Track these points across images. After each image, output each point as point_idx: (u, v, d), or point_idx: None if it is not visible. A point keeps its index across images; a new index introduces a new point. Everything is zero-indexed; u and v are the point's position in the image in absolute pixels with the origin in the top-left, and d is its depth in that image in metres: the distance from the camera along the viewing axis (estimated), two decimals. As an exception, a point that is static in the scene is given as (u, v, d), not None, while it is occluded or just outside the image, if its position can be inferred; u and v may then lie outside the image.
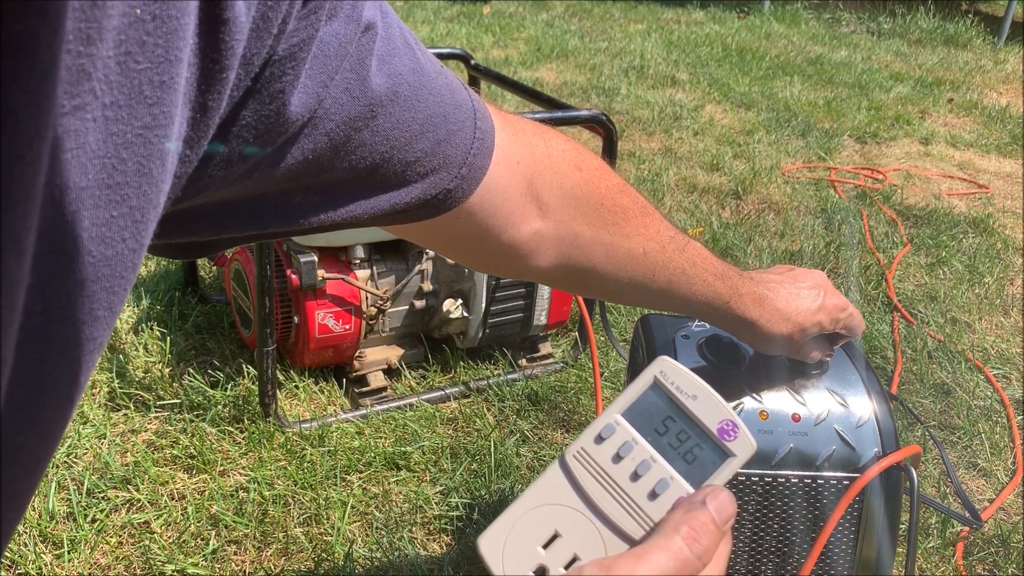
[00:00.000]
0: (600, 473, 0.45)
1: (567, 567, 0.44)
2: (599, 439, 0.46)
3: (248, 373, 1.62)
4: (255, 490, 1.35)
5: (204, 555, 1.25)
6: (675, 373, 0.47)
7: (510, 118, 0.58)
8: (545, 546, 0.44)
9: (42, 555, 1.22)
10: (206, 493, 1.36)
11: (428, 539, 1.31)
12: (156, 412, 1.54)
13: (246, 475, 1.40)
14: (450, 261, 1.65)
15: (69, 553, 1.23)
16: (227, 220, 0.44)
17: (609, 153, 1.60)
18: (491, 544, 0.44)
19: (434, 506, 1.36)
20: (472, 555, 1.26)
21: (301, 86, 0.38)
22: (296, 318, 1.57)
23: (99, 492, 1.34)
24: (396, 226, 0.54)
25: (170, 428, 1.49)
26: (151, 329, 1.77)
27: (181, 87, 0.30)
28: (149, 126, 0.29)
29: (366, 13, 0.41)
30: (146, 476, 1.38)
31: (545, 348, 1.82)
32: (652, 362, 0.48)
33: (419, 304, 1.66)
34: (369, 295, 1.60)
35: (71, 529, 1.27)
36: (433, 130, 0.48)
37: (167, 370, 1.66)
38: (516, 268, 0.62)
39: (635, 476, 0.45)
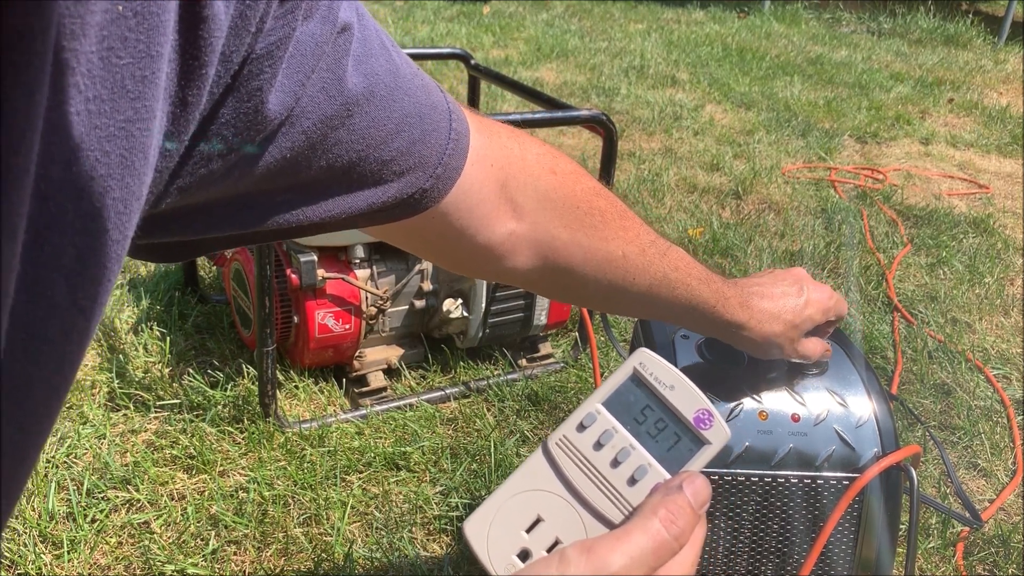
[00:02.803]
0: (581, 460, 0.47)
1: (549, 550, 0.45)
2: (581, 427, 0.48)
3: (248, 373, 1.62)
4: (255, 490, 1.35)
5: (204, 555, 1.25)
6: (654, 364, 0.49)
7: (485, 121, 0.59)
8: (528, 530, 0.46)
9: (42, 555, 1.22)
10: (206, 493, 1.36)
11: (428, 539, 1.31)
12: (156, 412, 1.54)
13: (246, 475, 1.40)
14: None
15: (69, 553, 1.23)
16: (207, 221, 0.44)
17: (609, 153, 1.60)
18: (476, 529, 0.46)
19: (434, 506, 1.36)
20: (472, 555, 1.26)
21: (279, 84, 0.39)
22: (296, 318, 1.57)
23: (99, 492, 1.34)
24: (374, 227, 0.55)
25: (170, 428, 1.49)
26: (151, 329, 1.77)
27: (162, 82, 0.31)
28: (131, 119, 0.30)
29: (342, 15, 0.43)
30: (146, 476, 1.38)
31: (545, 348, 1.82)
32: (631, 354, 0.50)
33: (419, 304, 1.66)
34: (369, 295, 1.60)
35: (71, 529, 1.27)
36: (408, 130, 0.49)
37: (167, 370, 1.66)
38: (494, 270, 0.63)
39: (615, 463, 0.47)
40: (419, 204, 0.53)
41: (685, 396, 0.48)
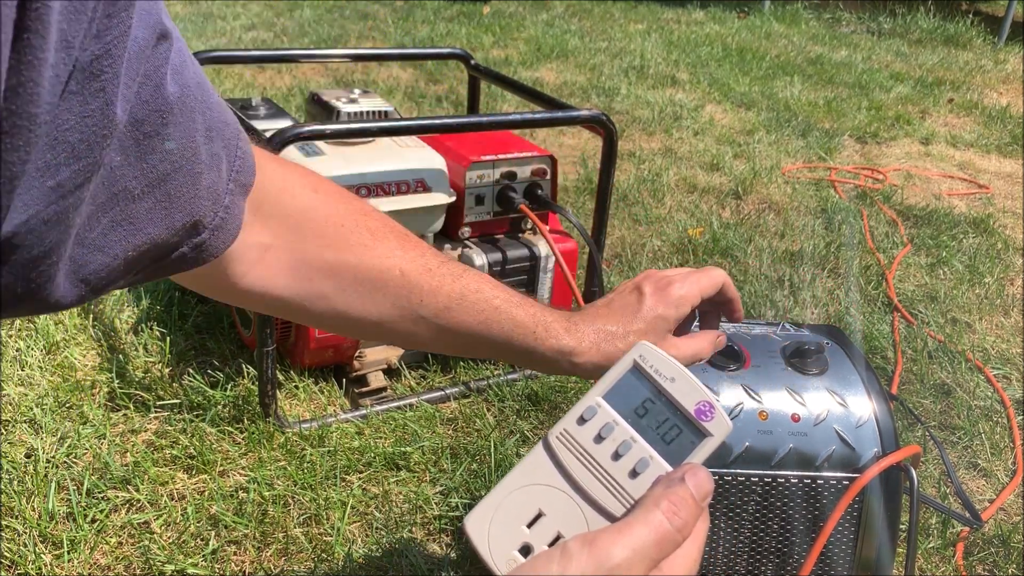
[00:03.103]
0: (582, 453, 0.47)
1: (551, 545, 0.45)
2: (581, 421, 0.48)
3: (248, 373, 1.62)
4: (255, 490, 1.35)
5: (204, 555, 1.25)
6: (654, 357, 0.49)
7: (254, 147, 0.59)
8: (529, 525, 0.46)
9: (42, 555, 1.22)
10: (206, 493, 1.36)
11: (428, 539, 1.31)
12: (156, 412, 1.53)
13: (246, 475, 1.40)
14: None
15: (69, 553, 1.23)
16: (38, 264, 0.41)
17: (609, 153, 1.60)
18: (477, 524, 0.46)
19: (434, 506, 1.36)
20: (472, 555, 1.26)
21: (122, 88, 0.39)
22: (296, 318, 1.56)
23: (99, 492, 1.34)
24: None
25: (170, 428, 1.49)
26: (151, 329, 1.77)
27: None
28: None
29: (159, 23, 0.43)
30: (146, 476, 1.38)
31: (545, 348, 1.82)
32: (632, 347, 0.50)
33: (419, 304, 1.66)
34: (369, 295, 1.60)
35: (71, 529, 1.27)
36: (210, 143, 0.49)
37: (167, 370, 1.66)
38: (247, 288, 0.59)
39: (616, 456, 0.47)
40: (214, 225, 0.51)
41: (686, 388, 0.48)
